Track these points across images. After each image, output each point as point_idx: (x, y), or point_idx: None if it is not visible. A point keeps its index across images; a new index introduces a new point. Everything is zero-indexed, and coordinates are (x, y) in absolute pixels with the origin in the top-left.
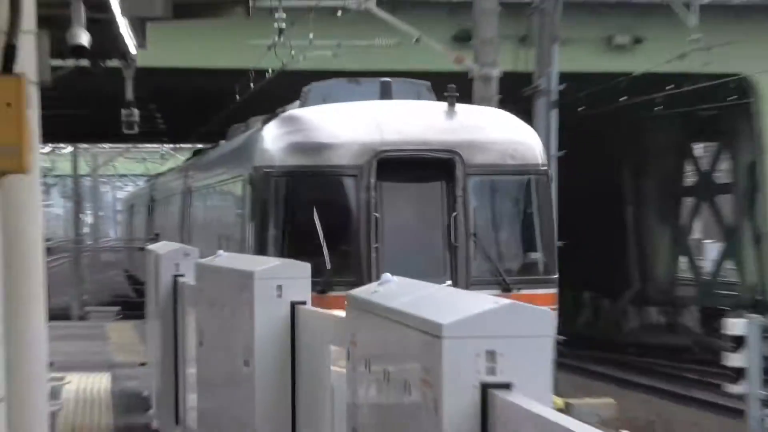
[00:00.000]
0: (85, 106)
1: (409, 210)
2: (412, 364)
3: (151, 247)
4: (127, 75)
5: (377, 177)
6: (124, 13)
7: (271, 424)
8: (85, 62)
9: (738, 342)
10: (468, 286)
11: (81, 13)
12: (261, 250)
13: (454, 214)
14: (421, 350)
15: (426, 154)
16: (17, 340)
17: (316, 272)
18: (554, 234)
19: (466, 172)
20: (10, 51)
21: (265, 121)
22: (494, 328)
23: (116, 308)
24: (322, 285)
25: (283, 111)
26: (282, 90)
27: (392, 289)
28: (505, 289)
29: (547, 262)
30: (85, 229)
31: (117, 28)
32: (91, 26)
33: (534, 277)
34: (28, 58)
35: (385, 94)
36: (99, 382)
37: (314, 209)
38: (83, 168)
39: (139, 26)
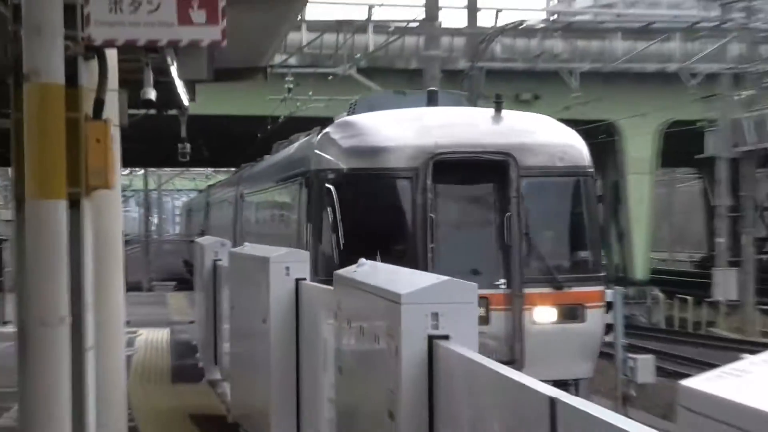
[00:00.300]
0: (152, 141)
1: (462, 211)
2: (380, 322)
3: (198, 240)
4: (182, 120)
5: (432, 179)
6: (180, 76)
7: (281, 364)
8: (152, 111)
9: (608, 305)
10: (521, 285)
11: (150, 76)
12: (318, 249)
13: (508, 214)
14: (386, 312)
15: (481, 156)
16: (103, 305)
17: None
18: (600, 233)
19: (519, 173)
20: (99, 104)
21: (321, 128)
22: (437, 296)
23: (173, 283)
24: None
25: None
26: (290, 130)
27: (366, 271)
28: (557, 287)
29: (595, 260)
30: (153, 228)
31: (175, 87)
32: (157, 85)
33: (583, 275)
34: (112, 108)
35: (432, 102)
36: (161, 335)
37: (370, 210)
38: (151, 184)
39: (190, 86)
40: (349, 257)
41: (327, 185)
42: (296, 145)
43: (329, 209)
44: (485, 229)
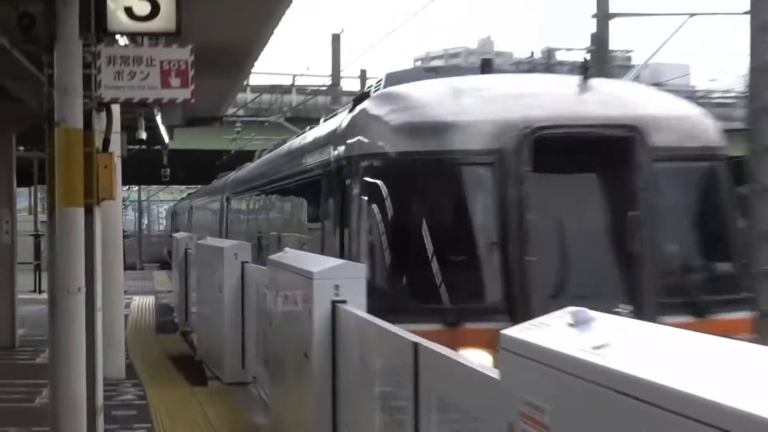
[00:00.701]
0: (144, 167)
1: (567, 210)
2: (299, 291)
3: (174, 234)
4: (164, 152)
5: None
6: (163, 122)
7: (231, 320)
8: (143, 146)
9: None
10: (656, 312)
11: (142, 122)
12: (359, 260)
13: (633, 213)
14: (303, 285)
15: (600, 132)
16: (108, 279)
17: (442, 297)
18: (741, 239)
19: (650, 156)
20: (106, 142)
21: (354, 105)
22: (338, 274)
23: (158, 264)
24: (454, 315)
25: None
26: (240, 160)
27: (291, 256)
28: (700, 314)
29: (740, 276)
30: (143, 226)
31: (159, 130)
32: (147, 129)
33: (731, 297)
34: (116, 145)
35: (487, 70)
36: (149, 300)
37: (434, 210)
38: (143, 196)
39: (169, 129)
40: (405, 273)
41: (368, 178)
42: (310, 133)
43: (378, 209)
44: (599, 234)
